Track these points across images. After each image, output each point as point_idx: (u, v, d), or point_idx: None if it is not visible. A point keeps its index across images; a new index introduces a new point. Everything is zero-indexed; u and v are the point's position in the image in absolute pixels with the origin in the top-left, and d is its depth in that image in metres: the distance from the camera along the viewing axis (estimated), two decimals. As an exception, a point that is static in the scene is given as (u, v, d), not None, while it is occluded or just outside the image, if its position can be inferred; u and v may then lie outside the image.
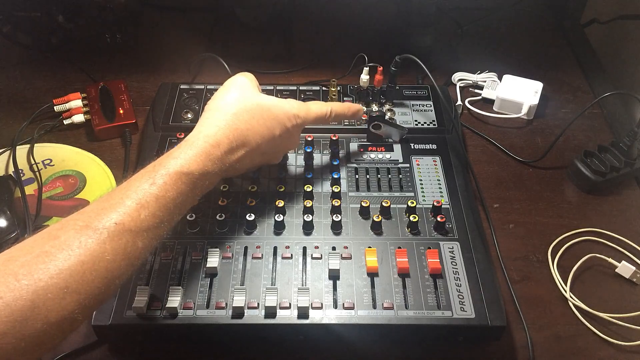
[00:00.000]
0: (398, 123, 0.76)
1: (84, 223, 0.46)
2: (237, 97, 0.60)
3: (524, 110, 0.84)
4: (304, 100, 0.80)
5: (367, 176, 0.70)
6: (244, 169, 0.61)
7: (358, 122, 0.76)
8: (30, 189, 0.72)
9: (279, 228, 0.64)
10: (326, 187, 0.69)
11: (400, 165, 0.72)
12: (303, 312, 0.56)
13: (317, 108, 0.65)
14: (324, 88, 0.82)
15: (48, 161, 0.77)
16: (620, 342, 0.60)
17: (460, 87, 0.90)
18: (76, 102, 0.82)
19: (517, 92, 0.85)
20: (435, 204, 0.65)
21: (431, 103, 0.80)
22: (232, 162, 0.57)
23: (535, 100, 0.84)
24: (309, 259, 0.61)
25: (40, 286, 0.41)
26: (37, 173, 0.74)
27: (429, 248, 0.62)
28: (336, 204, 0.65)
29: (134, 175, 0.52)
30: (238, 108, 0.58)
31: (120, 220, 0.47)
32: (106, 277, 0.45)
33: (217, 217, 0.63)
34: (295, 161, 0.72)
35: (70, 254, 0.44)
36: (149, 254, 0.50)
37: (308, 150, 0.71)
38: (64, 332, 0.43)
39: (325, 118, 0.66)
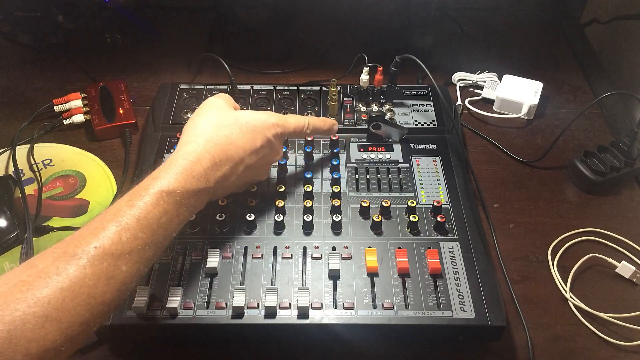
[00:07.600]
0: (398, 123, 0.76)
1: (62, 250, 0.45)
2: (214, 115, 0.60)
3: (524, 110, 0.84)
4: (303, 99, 0.80)
5: (367, 176, 0.70)
6: (233, 186, 0.60)
7: (357, 122, 0.76)
8: (30, 189, 0.72)
9: (279, 228, 0.64)
10: (326, 187, 0.69)
11: (400, 165, 0.72)
12: (303, 312, 0.56)
13: (296, 119, 0.65)
14: (324, 88, 0.82)
15: (48, 161, 0.77)
16: (620, 342, 0.60)
17: (460, 87, 0.90)
18: (76, 102, 0.82)
19: (517, 92, 0.85)
20: (435, 204, 0.65)
21: (431, 103, 0.80)
22: (217, 178, 0.56)
23: (535, 100, 0.84)
24: (309, 259, 0.61)
25: (17, 316, 0.40)
26: (37, 173, 0.74)
27: (429, 248, 0.62)
28: (336, 204, 0.65)
29: (115, 201, 0.51)
30: (216, 125, 0.58)
31: (100, 244, 0.46)
32: (89, 304, 0.44)
33: (217, 217, 0.63)
34: (295, 161, 0.72)
35: (48, 281, 0.42)
36: (137, 279, 0.48)
37: (308, 150, 0.71)
38: None
39: (304, 130, 0.66)
